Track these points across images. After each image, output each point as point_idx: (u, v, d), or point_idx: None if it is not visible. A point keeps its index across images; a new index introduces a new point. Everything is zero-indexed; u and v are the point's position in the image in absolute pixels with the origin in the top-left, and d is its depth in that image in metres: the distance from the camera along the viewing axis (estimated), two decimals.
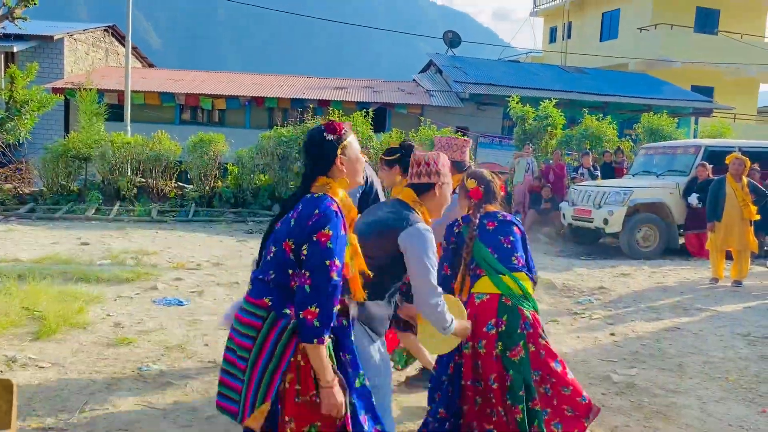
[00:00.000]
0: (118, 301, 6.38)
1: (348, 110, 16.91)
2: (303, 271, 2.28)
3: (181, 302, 6.46)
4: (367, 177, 4.65)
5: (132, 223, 12.72)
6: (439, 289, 2.72)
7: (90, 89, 15.85)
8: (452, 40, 25.84)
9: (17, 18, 14.71)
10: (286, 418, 2.33)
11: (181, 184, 15.28)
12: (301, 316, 2.24)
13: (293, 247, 2.34)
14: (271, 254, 2.41)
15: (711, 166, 10.59)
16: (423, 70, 25.69)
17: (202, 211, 14.17)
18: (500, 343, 3.19)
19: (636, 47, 26.25)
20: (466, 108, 20.43)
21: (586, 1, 29.50)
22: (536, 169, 14.49)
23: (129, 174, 14.48)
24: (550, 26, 32.77)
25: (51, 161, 14.10)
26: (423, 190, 2.89)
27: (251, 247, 10.37)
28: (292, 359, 2.30)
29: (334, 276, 2.27)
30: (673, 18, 25.68)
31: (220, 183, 14.79)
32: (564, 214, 12.18)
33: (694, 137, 20.63)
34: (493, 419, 3.22)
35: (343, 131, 2.51)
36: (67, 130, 18.94)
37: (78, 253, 8.88)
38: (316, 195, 2.41)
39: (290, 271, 2.34)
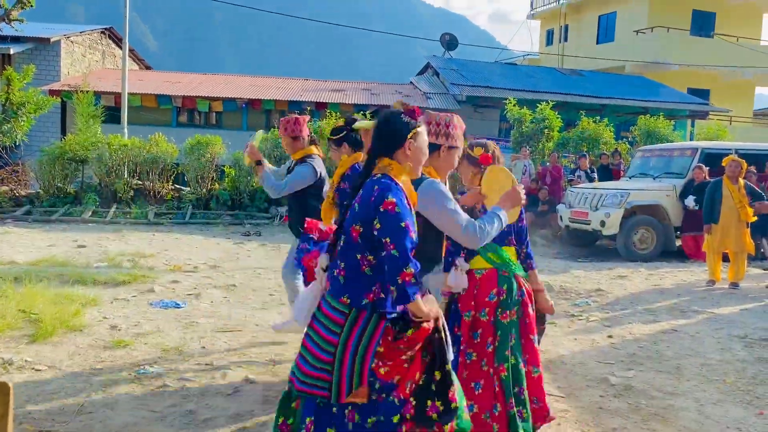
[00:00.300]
0: (115, 304, 6.36)
1: (345, 112, 16.90)
2: (383, 240, 2.33)
3: (178, 305, 6.44)
4: (320, 173, 4.79)
5: (129, 225, 12.70)
6: (469, 223, 2.68)
7: (87, 91, 15.84)
8: (449, 42, 25.87)
9: (14, 20, 14.70)
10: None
11: (178, 186, 15.27)
12: (399, 282, 2.30)
13: (361, 230, 2.40)
14: (341, 244, 2.48)
15: (707, 168, 10.63)
16: (420, 73, 25.72)
17: (199, 213, 14.15)
18: (499, 310, 3.29)
19: (632, 50, 26.32)
20: (463, 110, 20.42)
21: (582, 4, 29.56)
22: (533, 172, 14.51)
23: (126, 176, 14.46)
24: (546, 29, 32.82)
25: (47, 163, 14.08)
26: (429, 150, 2.90)
27: (248, 249, 10.35)
28: (378, 348, 2.39)
29: (413, 236, 2.35)
30: (669, 21, 25.75)
31: (217, 185, 14.77)
32: (561, 216, 12.20)
33: (691, 140, 20.68)
34: (477, 393, 3.25)
35: (419, 117, 2.55)
36: (63, 132, 18.92)
37: (74, 256, 8.86)
38: (376, 177, 2.46)
39: (358, 256, 2.41)
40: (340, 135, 4.45)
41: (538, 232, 13.03)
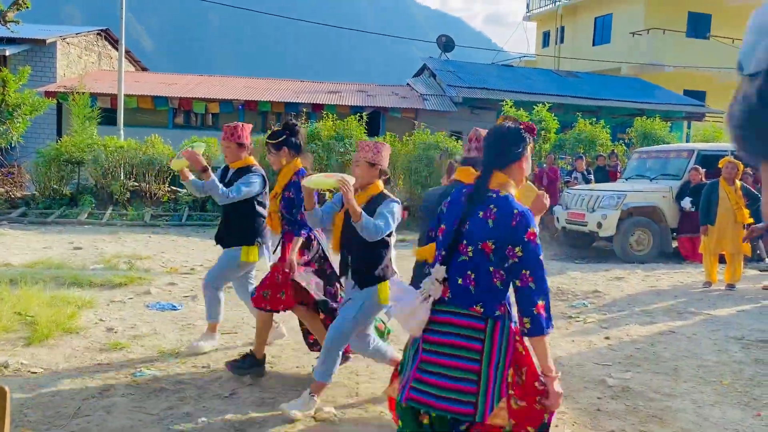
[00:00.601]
0: (111, 306, 6.34)
1: (342, 114, 16.90)
2: (522, 271, 2.40)
3: (175, 307, 6.43)
4: (266, 181, 4.80)
5: (125, 227, 12.67)
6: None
7: (83, 93, 15.80)
8: (445, 44, 25.89)
9: (9, 21, 14.66)
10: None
11: (174, 188, 15.24)
12: (535, 313, 2.39)
13: (494, 247, 2.43)
14: (468, 255, 2.46)
15: (704, 169, 10.65)
16: (417, 74, 25.72)
17: (196, 215, 14.13)
18: None
19: (628, 52, 26.38)
20: (460, 112, 20.46)
21: (579, 6, 29.62)
22: (530, 173, 14.53)
23: (122, 178, 14.43)
24: (543, 31, 32.88)
25: (43, 165, 14.04)
26: (476, 163, 3.06)
27: None
28: (514, 353, 2.48)
29: (545, 268, 2.46)
30: (665, 23, 25.82)
31: None
32: (558, 218, 12.20)
33: (687, 141, 20.72)
34: None
35: (535, 136, 2.67)
36: (59, 134, 18.86)
37: (70, 258, 8.83)
38: (502, 194, 2.48)
39: (491, 269, 2.44)
40: (280, 139, 4.43)
41: None
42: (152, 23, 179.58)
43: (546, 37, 32.48)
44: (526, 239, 2.39)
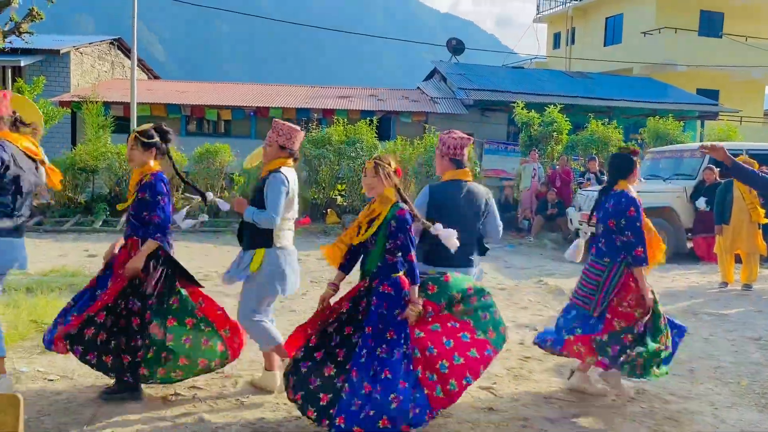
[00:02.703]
0: None
1: (352, 119, 16.93)
2: (626, 232, 4.20)
3: None
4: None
5: None
6: None
7: (96, 102, 15.95)
8: (456, 47, 25.88)
9: (24, 32, 14.82)
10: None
11: (187, 194, 15.32)
12: (633, 253, 4.18)
13: (615, 222, 4.27)
14: (602, 229, 4.40)
15: (718, 169, 10.55)
16: (427, 78, 25.74)
17: (209, 221, 14.19)
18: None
19: (640, 51, 26.23)
20: (471, 114, 20.44)
21: (589, 7, 29.52)
22: (543, 175, 14.48)
23: None
24: (553, 32, 32.80)
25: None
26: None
27: None
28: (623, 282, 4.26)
29: (642, 231, 4.23)
30: (677, 22, 25.66)
31: (226, 193, 14.82)
32: (571, 219, 12.14)
33: (701, 140, 20.55)
34: None
35: (638, 155, 4.51)
36: (74, 142, 19.05)
37: (85, 265, 8.90)
38: (618, 191, 4.37)
39: (614, 236, 4.28)
40: (152, 140, 4.43)
41: (548, 236, 12.99)
42: (164, 32, 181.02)
43: (557, 38, 32.39)
44: (628, 214, 4.23)
